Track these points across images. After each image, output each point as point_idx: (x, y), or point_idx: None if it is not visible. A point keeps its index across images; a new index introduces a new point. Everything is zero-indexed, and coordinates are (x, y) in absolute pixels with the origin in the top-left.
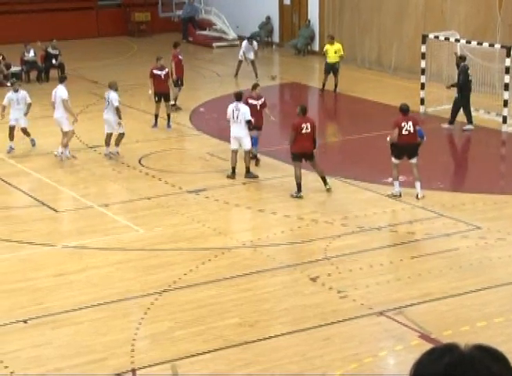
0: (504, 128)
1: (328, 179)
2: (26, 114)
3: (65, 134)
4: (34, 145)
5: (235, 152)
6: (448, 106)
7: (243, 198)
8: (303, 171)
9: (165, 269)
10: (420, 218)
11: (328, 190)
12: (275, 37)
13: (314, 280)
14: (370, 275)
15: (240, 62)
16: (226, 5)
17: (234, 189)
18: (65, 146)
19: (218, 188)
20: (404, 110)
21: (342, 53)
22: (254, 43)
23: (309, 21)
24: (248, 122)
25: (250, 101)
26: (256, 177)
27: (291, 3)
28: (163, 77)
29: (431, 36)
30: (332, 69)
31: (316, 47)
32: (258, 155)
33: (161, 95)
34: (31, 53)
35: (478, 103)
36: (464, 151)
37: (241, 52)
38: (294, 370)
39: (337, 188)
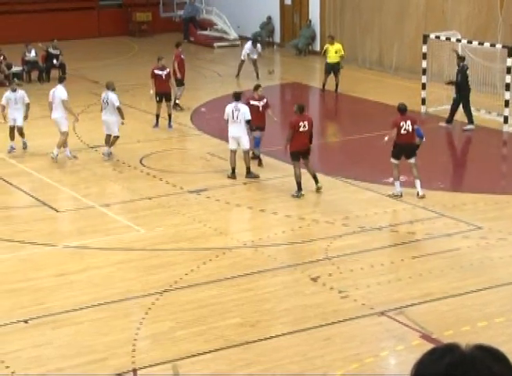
0: (505, 128)
1: (330, 179)
2: (26, 117)
3: (61, 134)
4: (25, 148)
5: (234, 152)
6: (449, 107)
7: (244, 198)
8: (303, 170)
9: (166, 269)
10: (420, 218)
11: (318, 189)
12: (276, 38)
13: (315, 280)
14: (371, 275)
15: (242, 62)
16: (227, 5)
17: (235, 189)
18: (60, 146)
19: (219, 188)
20: (402, 110)
21: (342, 53)
22: (258, 46)
23: (310, 21)
24: (248, 122)
25: (252, 102)
26: (257, 177)
27: (292, 3)
28: (164, 77)
29: (432, 36)
30: (332, 69)
31: (317, 47)
32: (261, 156)
33: (162, 95)
34: (32, 53)
35: (479, 103)
36: (465, 151)
37: (244, 53)
38: (295, 370)
39: (338, 188)
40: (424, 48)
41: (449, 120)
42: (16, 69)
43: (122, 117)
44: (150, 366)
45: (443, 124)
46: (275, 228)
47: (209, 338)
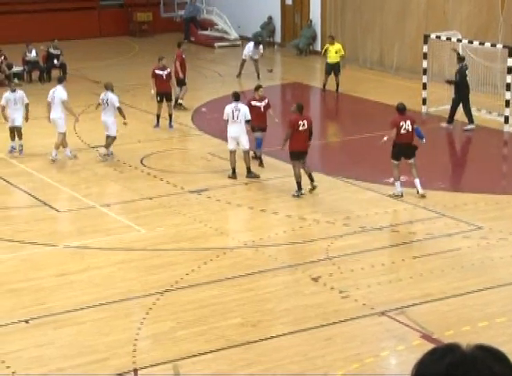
0: (506, 128)
1: (331, 179)
2: (27, 119)
3: (58, 135)
4: (21, 151)
5: (233, 152)
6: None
7: (245, 198)
8: (303, 170)
9: (167, 269)
10: (421, 218)
11: (311, 190)
12: (277, 38)
13: (316, 280)
14: (372, 275)
15: (244, 61)
16: (228, 5)
17: (236, 189)
18: (57, 148)
19: (220, 188)
20: (401, 109)
21: (343, 53)
22: (261, 47)
23: (311, 21)
24: (248, 122)
25: (253, 103)
26: (257, 177)
27: (293, 3)
28: (165, 77)
29: (433, 36)
30: (333, 69)
31: (318, 47)
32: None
33: (163, 95)
34: (33, 53)
35: (480, 103)
36: (466, 151)
37: (245, 53)
38: (296, 370)
39: (339, 188)
40: (425, 48)
41: (450, 120)
42: (16, 69)
43: (124, 117)
44: (151, 366)
45: (444, 124)
46: (276, 228)
47: (210, 338)
